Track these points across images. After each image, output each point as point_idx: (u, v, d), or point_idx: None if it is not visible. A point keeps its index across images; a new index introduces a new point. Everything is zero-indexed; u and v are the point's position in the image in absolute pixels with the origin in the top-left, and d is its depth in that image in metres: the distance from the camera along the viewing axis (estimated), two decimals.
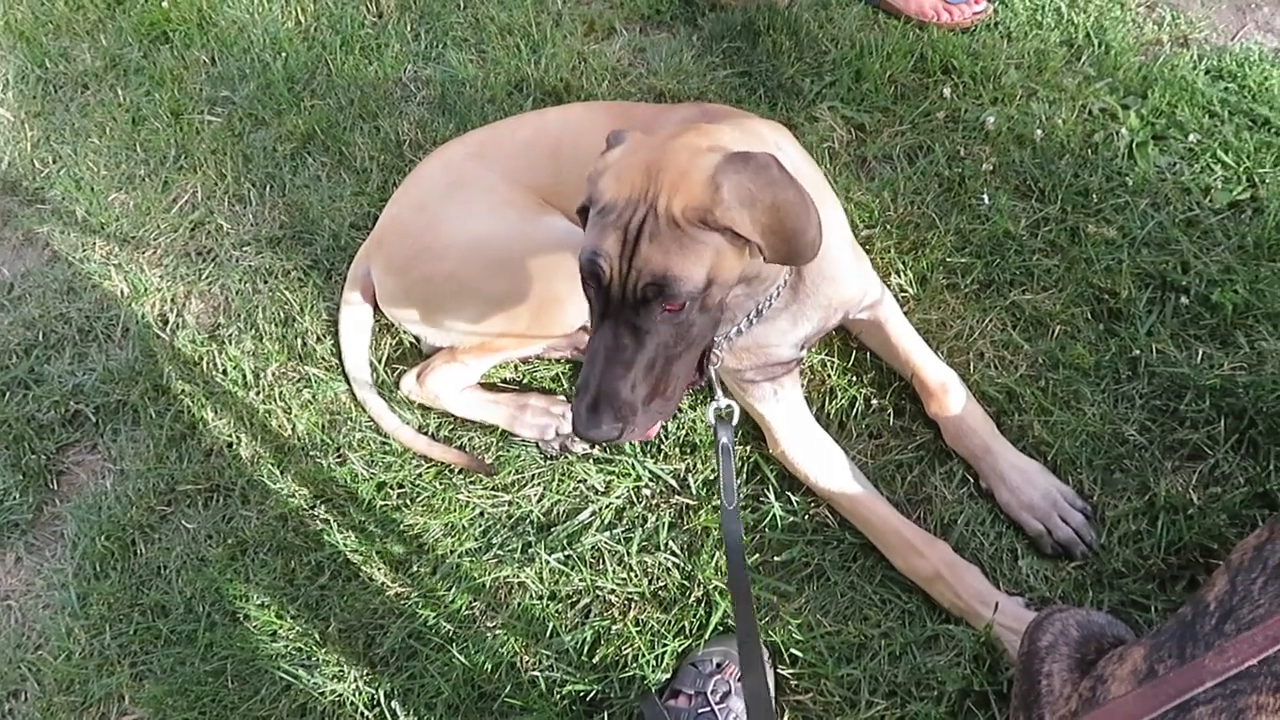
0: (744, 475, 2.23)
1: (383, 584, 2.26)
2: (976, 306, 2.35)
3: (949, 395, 2.12)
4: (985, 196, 2.50)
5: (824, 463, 2.11)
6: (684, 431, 2.31)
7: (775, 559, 2.12)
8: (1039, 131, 2.58)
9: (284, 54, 3.36)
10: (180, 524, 2.44)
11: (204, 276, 2.88)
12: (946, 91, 2.74)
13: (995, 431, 2.10)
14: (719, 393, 1.87)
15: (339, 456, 2.46)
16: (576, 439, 2.33)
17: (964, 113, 2.69)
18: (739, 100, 2.88)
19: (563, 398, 2.44)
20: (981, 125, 2.64)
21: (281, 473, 2.46)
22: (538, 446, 2.38)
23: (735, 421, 1.87)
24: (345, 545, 2.31)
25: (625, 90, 2.99)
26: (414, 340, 2.58)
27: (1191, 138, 2.51)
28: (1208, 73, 2.66)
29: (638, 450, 2.29)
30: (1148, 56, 2.75)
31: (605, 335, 1.62)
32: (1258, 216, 2.36)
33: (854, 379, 2.31)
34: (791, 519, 2.15)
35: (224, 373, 2.65)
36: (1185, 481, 2.04)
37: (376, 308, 2.57)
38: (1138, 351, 2.19)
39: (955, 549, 2.01)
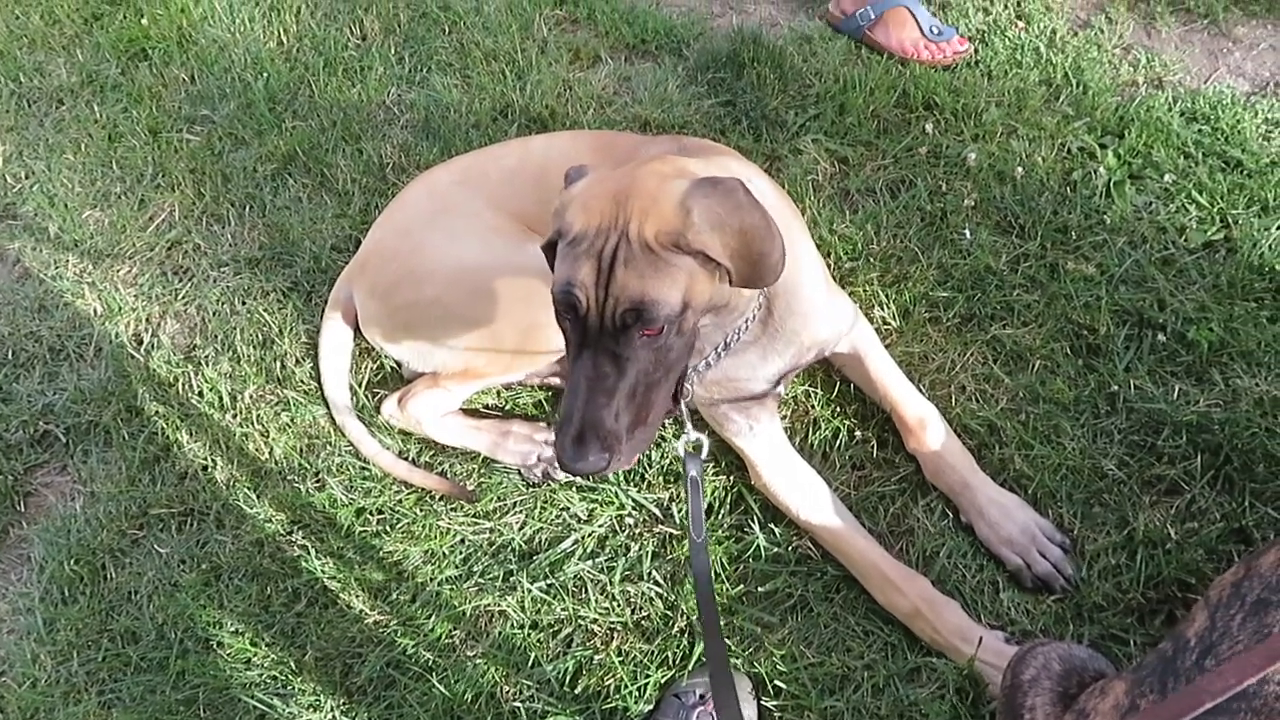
0: (727, 505, 2.23)
1: (361, 611, 2.22)
2: (958, 340, 2.38)
3: (927, 431, 2.14)
4: (967, 231, 2.53)
5: (806, 495, 2.11)
6: (668, 460, 2.31)
7: (759, 589, 2.11)
8: (1019, 169, 2.63)
9: (266, 74, 3.34)
10: (152, 548, 2.39)
11: (180, 296, 2.85)
12: (929, 127, 2.78)
13: (974, 466, 2.12)
14: (688, 426, 1.88)
15: (317, 481, 2.43)
16: (559, 468, 2.32)
17: (946, 148, 2.73)
18: (722, 130, 2.91)
19: (545, 424, 2.43)
20: (963, 161, 2.68)
21: (258, 497, 2.42)
22: (520, 474, 2.36)
23: (705, 455, 1.88)
24: (323, 572, 2.28)
25: (610, 118, 3.00)
26: (395, 365, 2.56)
27: (1167, 178, 2.56)
28: (1182, 114, 2.72)
29: (621, 479, 2.29)
30: (1124, 97, 2.81)
31: (585, 366, 1.61)
32: (1231, 256, 2.41)
33: (837, 410, 2.32)
34: (775, 550, 2.15)
35: (200, 395, 2.61)
36: (1163, 516, 2.06)
37: (357, 331, 2.55)
38: (1116, 387, 2.23)
39: (937, 582, 2.02)
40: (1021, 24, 3.06)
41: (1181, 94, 2.79)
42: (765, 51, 3.06)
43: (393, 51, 3.34)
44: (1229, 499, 2.06)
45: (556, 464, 1.65)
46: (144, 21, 3.58)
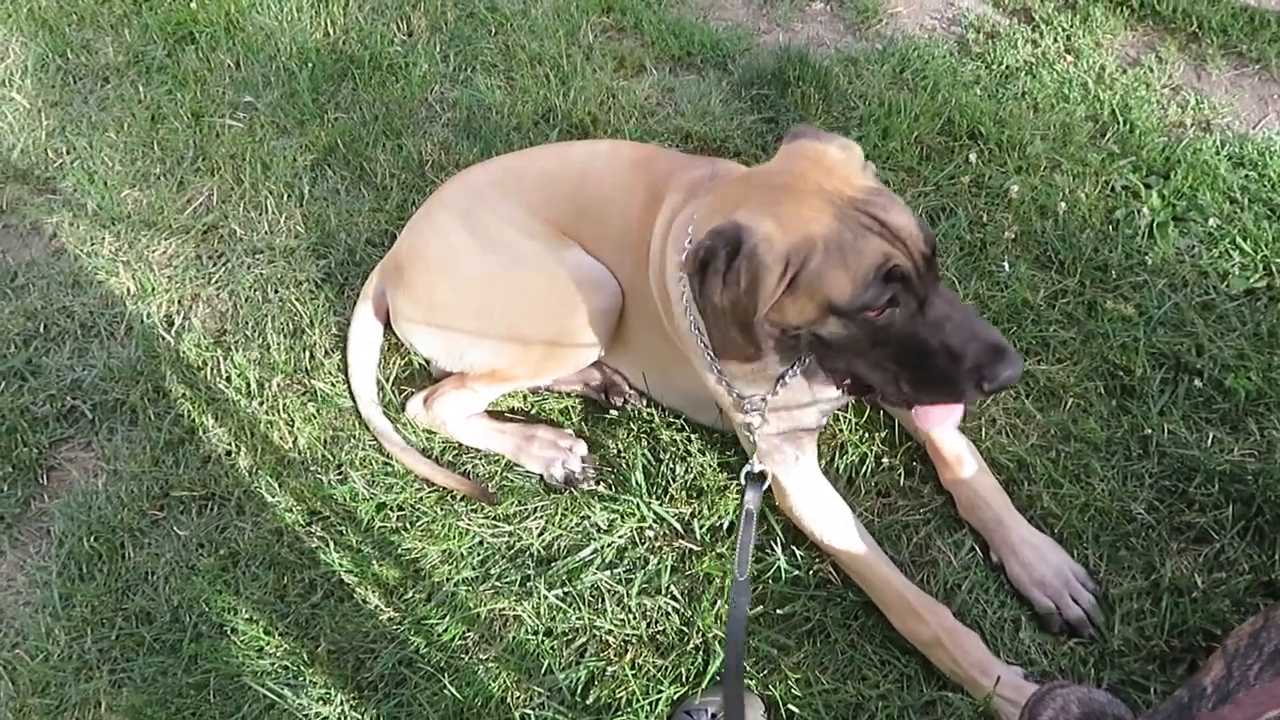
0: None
1: (376, 607, 2.22)
2: None
3: (964, 466, 2.12)
4: (1005, 264, 2.52)
5: (831, 519, 2.10)
6: (692, 475, 2.29)
7: (777, 611, 2.10)
8: (1062, 204, 2.61)
9: (310, 64, 3.35)
10: (172, 530, 2.40)
11: (213, 281, 2.86)
12: (972, 157, 2.76)
13: (1009, 504, 2.10)
14: (755, 455, 1.90)
15: (340, 474, 2.43)
16: (584, 470, 2.32)
17: (988, 179, 2.71)
18: (764, 147, 2.90)
19: (570, 431, 2.43)
20: (1005, 193, 2.66)
21: (280, 486, 2.42)
22: (542, 479, 2.36)
23: (765, 487, 1.88)
24: (340, 565, 2.28)
25: (651, 129, 3.00)
26: (424, 362, 2.57)
27: (1211, 222, 2.54)
28: (1230, 159, 2.70)
29: (644, 490, 2.28)
30: (1171, 138, 2.79)
31: (940, 309, 1.67)
32: (1272, 305, 2.38)
33: (865, 436, 2.31)
34: (795, 573, 2.13)
35: (228, 380, 2.62)
36: (1190, 564, 2.04)
37: (388, 326, 2.55)
38: (1149, 430, 2.20)
39: (957, 615, 2.00)
40: (1070, 58, 3.04)
41: (1230, 138, 2.77)
42: (811, 71, 3.05)
43: (438, 49, 3.35)
44: (1259, 551, 2.03)
45: (990, 381, 1.66)
46: (192, 5, 3.60)
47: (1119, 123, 2.82)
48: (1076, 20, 3.13)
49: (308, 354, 2.64)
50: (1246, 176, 2.65)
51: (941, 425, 1.90)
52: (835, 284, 1.64)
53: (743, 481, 1.94)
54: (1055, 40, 3.09)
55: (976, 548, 2.12)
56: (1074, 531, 2.10)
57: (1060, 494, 2.15)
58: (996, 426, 2.28)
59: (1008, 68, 3.02)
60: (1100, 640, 1.97)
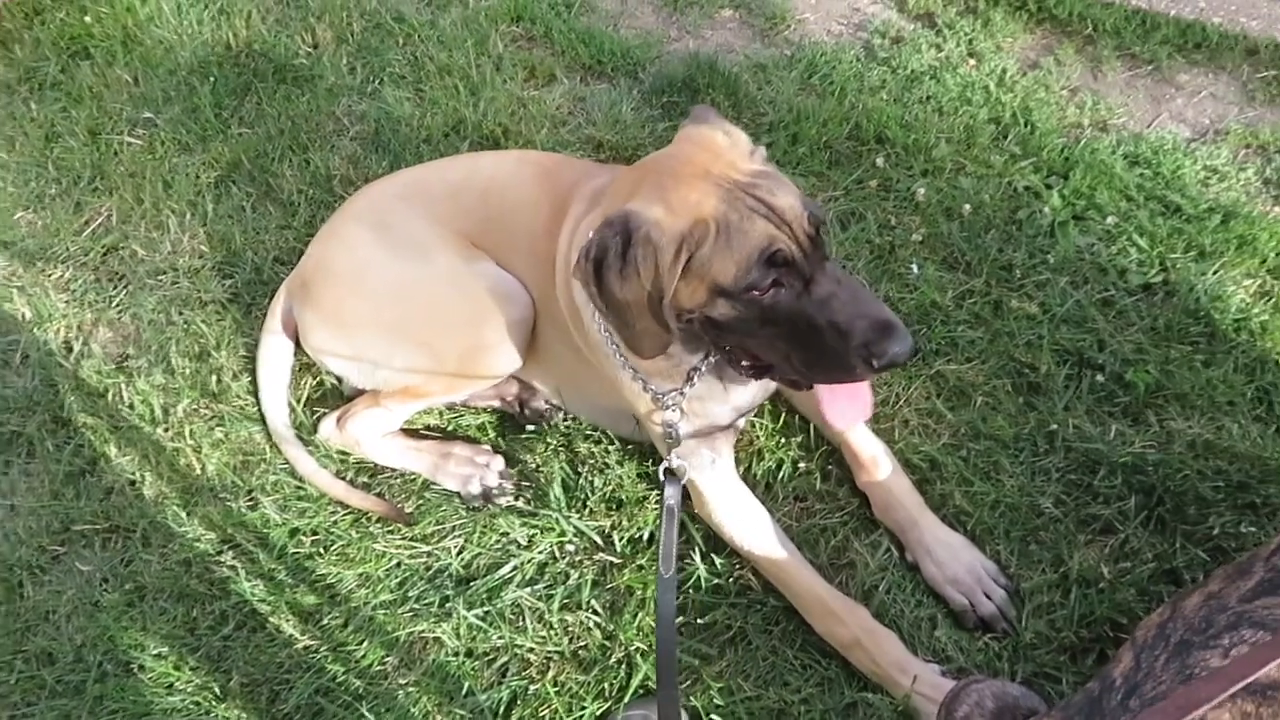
0: None
1: (291, 636, 2.16)
2: (902, 374, 2.39)
3: (878, 467, 2.15)
4: (914, 266, 2.56)
5: (750, 525, 2.11)
6: (610, 487, 2.28)
7: (698, 621, 2.09)
8: (967, 205, 2.66)
9: (212, 78, 3.27)
10: (74, 566, 2.31)
11: (114, 304, 2.76)
12: (880, 161, 2.80)
13: (923, 505, 2.13)
14: (672, 453, 1.89)
15: (250, 500, 2.36)
16: (502, 486, 2.30)
17: (896, 182, 2.76)
18: None
19: (488, 447, 2.40)
20: (912, 196, 2.71)
21: (188, 515, 2.35)
22: (460, 497, 2.32)
23: (695, 480, 1.87)
24: (253, 594, 2.22)
25: (564, 139, 2.99)
26: (336, 381, 2.51)
27: (1109, 220, 2.61)
28: (1125, 158, 2.78)
29: (563, 504, 2.26)
30: (1069, 139, 2.86)
31: (825, 287, 1.67)
32: (1168, 300, 2.46)
33: (782, 441, 2.32)
34: (716, 581, 2.14)
35: (131, 407, 2.54)
36: (1097, 556, 2.09)
37: (298, 346, 2.49)
38: (1055, 426, 2.25)
39: (876, 615, 2.02)
40: (972, 62, 3.11)
41: (1125, 138, 2.85)
42: (720, 77, 3.06)
43: (345, 61, 3.30)
44: (1161, 540, 2.09)
45: (878, 359, 1.65)
46: (87, 19, 3.49)
47: (1020, 125, 2.89)
48: (978, 25, 3.19)
49: (215, 377, 2.57)
50: (1141, 175, 2.73)
51: (851, 421, 1.92)
52: (721, 267, 1.66)
53: (660, 477, 1.93)
54: (958, 44, 3.15)
55: (893, 548, 2.15)
56: (985, 528, 2.14)
57: (971, 491, 2.18)
58: (909, 427, 2.31)
59: (912, 72, 3.08)
60: (1013, 634, 2.00)
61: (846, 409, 1.86)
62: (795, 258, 1.65)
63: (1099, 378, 2.32)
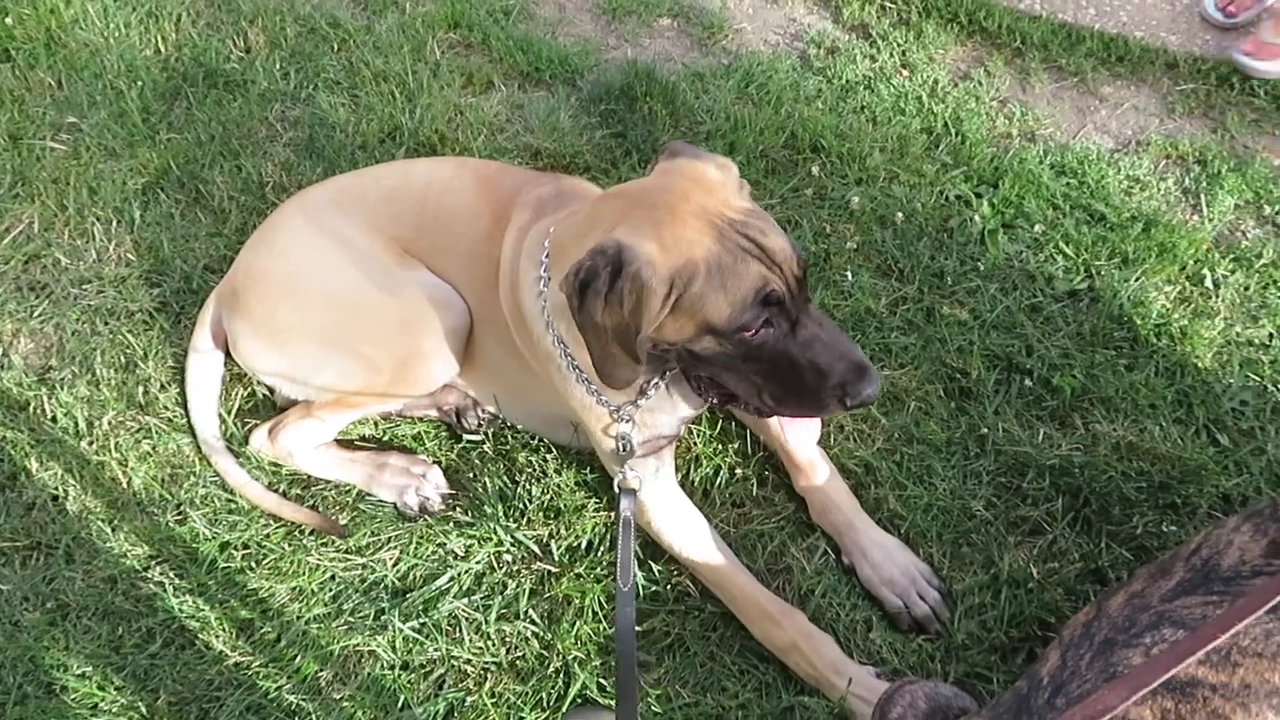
0: (607, 542, 2.21)
1: (221, 652, 2.12)
2: None
3: (816, 471, 2.17)
4: (849, 273, 2.59)
5: (688, 532, 2.11)
6: (548, 496, 2.27)
7: (637, 628, 2.08)
8: (900, 214, 2.70)
9: (140, 82, 3.20)
10: None
11: (36, 314, 2.68)
12: (815, 169, 2.84)
13: (858, 508, 2.16)
14: (625, 466, 1.91)
15: (179, 514, 2.31)
16: (439, 497, 2.28)
17: (831, 191, 2.79)
18: (614, 162, 2.91)
19: (424, 457, 2.37)
20: (847, 204, 2.75)
21: (113, 530, 2.29)
22: (396, 508, 2.30)
23: (641, 489, 1.90)
24: (181, 610, 2.16)
25: (501, 145, 2.97)
26: (268, 392, 2.47)
27: (1037, 228, 2.67)
28: (1052, 168, 2.85)
29: (500, 514, 2.24)
30: (999, 148, 2.93)
31: (809, 329, 1.73)
32: (1094, 306, 2.52)
33: (719, 448, 2.33)
34: (654, 588, 2.14)
35: (54, 420, 2.46)
36: (1026, 556, 2.13)
37: (228, 355, 2.44)
38: (985, 429, 2.30)
39: (812, 619, 2.04)
40: (906, 73, 3.17)
41: (1052, 148, 2.92)
42: (658, 86, 3.08)
43: (278, 66, 3.24)
44: (1087, 540, 2.14)
45: (852, 399, 1.73)
46: (8, 21, 3.38)
47: (951, 134, 2.95)
48: (911, 36, 3.25)
49: (142, 388, 2.50)
50: (1068, 184, 2.80)
51: (810, 442, 1.98)
52: (715, 307, 1.67)
53: (616, 491, 1.94)
54: (892, 55, 3.21)
55: (830, 551, 2.17)
56: (919, 531, 2.17)
57: (905, 495, 2.22)
58: (845, 433, 2.34)
59: (847, 82, 3.12)
60: (946, 635, 2.04)
61: (803, 431, 1.94)
62: (785, 298, 1.68)
63: (1027, 382, 2.37)
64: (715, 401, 1.94)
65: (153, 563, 2.25)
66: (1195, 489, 2.18)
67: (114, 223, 2.86)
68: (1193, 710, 1.32)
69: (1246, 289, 2.56)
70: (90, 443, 2.42)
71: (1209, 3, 3.20)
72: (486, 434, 2.38)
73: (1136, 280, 2.55)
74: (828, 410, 1.77)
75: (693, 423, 2.33)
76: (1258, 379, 2.38)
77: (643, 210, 1.72)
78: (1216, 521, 1.74)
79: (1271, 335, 2.46)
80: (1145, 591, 1.68)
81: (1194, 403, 2.33)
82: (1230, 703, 1.31)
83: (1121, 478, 2.19)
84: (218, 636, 2.14)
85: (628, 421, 2.00)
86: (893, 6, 3.35)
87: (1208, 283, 2.56)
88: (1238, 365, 2.40)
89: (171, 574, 2.22)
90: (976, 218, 2.71)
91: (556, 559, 2.19)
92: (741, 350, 1.72)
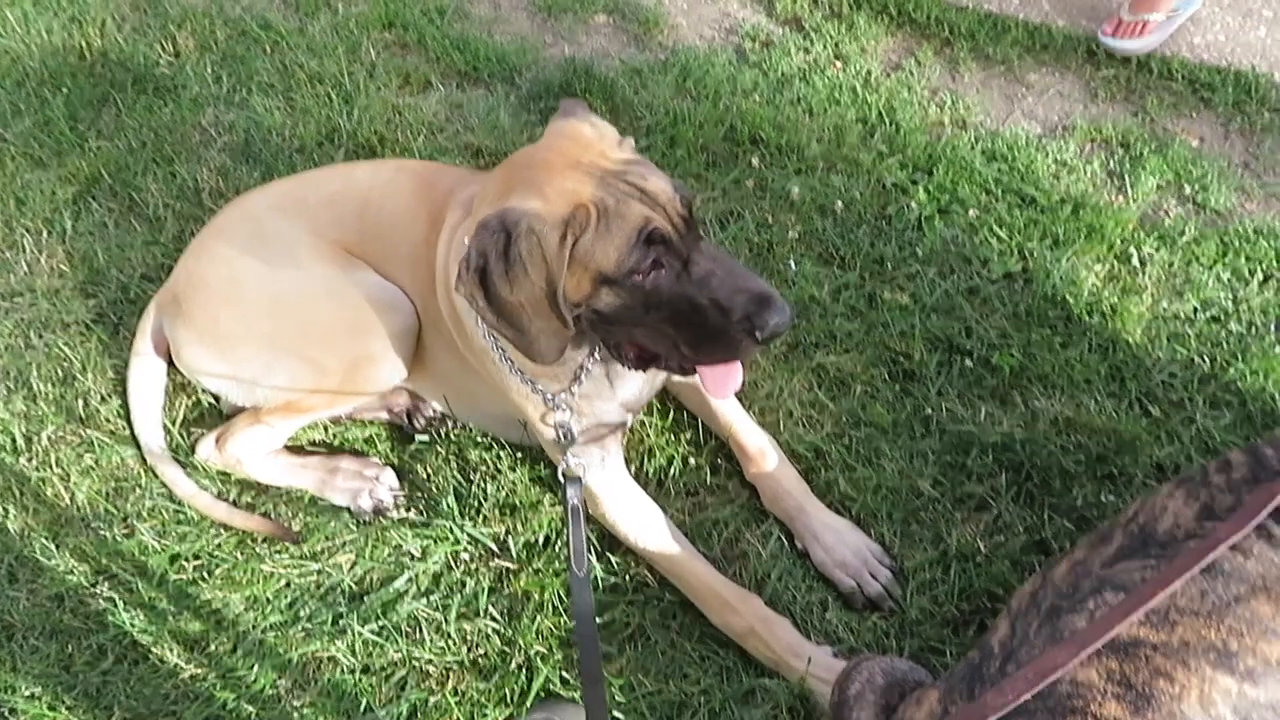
0: (563, 537, 2.22)
1: (176, 666, 2.08)
2: (785, 367, 2.46)
3: (766, 459, 2.21)
4: (792, 262, 2.64)
5: (643, 522, 2.13)
6: (504, 493, 2.28)
7: (597, 620, 2.10)
8: (839, 202, 2.76)
9: (65, 89, 3.12)
10: None
11: None
12: (755, 161, 2.88)
13: (809, 493, 2.20)
14: (568, 454, 1.90)
15: (126, 528, 2.27)
16: (393, 498, 2.27)
17: (771, 182, 2.84)
18: None
19: (377, 460, 2.36)
20: (787, 194, 2.79)
21: (57, 547, 2.23)
22: (349, 511, 2.28)
23: (586, 480, 1.89)
24: (133, 625, 2.13)
25: (441, 145, 2.96)
26: (213, 400, 2.43)
27: (971, 213, 2.75)
28: (984, 154, 2.93)
29: (455, 513, 2.24)
30: (933, 136, 3.00)
31: (702, 265, 1.70)
32: (1028, 286, 2.60)
33: (672, 438, 2.36)
34: (613, 579, 2.16)
35: None
36: (973, 531, 2.19)
37: (170, 364, 2.40)
38: (930, 410, 2.36)
39: (769, 603, 2.07)
40: (839, 64, 3.22)
41: (982, 135, 3.00)
42: (597, 82, 3.09)
43: (209, 70, 3.19)
44: (1031, 513, 2.21)
45: (761, 330, 1.67)
46: None
47: (886, 124, 3.01)
48: (843, 28, 3.31)
49: (81, 401, 2.45)
50: (999, 169, 2.88)
51: (725, 390, 1.93)
52: (603, 253, 1.66)
53: (561, 480, 1.94)
54: (825, 48, 3.26)
55: (783, 537, 2.20)
56: (869, 511, 2.22)
57: (854, 477, 2.26)
58: (794, 418, 2.38)
59: (783, 75, 3.17)
60: (899, 612, 2.08)
61: (723, 381, 1.89)
62: (671, 237, 1.68)
63: (968, 363, 2.44)
64: (638, 366, 1.91)
65: (100, 578, 2.20)
66: (1130, 459, 2.26)
67: (44, 233, 2.79)
68: (1136, 669, 1.37)
69: (1171, 266, 2.66)
70: (29, 459, 2.37)
71: None
72: (437, 434, 2.38)
73: (1068, 260, 2.64)
74: (741, 348, 1.75)
75: (644, 414, 2.35)
76: (1184, 351, 2.47)
77: (521, 174, 1.74)
78: (1152, 489, 1.81)
79: (1196, 309, 2.56)
80: (1087, 559, 1.74)
81: (1126, 377, 2.42)
82: (1171, 660, 1.36)
83: (1061, 451, 2.26)
84: (172, 650, 2.10)
85: (564, 410, 2.01)
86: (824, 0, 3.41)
87: (1134, 261, 2.66)
88: (1165, 339, 2.50)
89: (121, 589, 2.18)
90: (913, 204, 2.77)
91: (514, 555, 2.20)
92: (639, 299, 1.71)
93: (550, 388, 2.00)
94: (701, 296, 1.70)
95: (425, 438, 2.38)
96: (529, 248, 1.63)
